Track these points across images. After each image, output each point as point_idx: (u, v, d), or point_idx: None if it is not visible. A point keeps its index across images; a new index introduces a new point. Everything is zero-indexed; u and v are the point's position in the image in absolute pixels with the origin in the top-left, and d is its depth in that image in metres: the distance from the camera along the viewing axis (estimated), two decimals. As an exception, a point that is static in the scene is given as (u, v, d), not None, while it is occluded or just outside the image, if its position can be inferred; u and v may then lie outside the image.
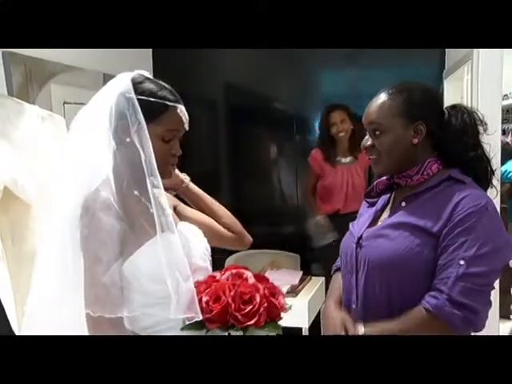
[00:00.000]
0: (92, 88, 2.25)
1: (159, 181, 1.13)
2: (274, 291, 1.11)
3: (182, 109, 1.17)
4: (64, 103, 2.19)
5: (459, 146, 1.25)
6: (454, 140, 1.25)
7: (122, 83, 1.14)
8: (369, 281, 1.24)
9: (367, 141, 1.29)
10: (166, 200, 1.26)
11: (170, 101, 1.15)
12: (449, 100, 2.60)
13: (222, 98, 3.17)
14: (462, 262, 1.12)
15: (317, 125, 3.05)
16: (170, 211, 1.25)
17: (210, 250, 1.32)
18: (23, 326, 1.20)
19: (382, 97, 1.26)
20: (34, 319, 1.17)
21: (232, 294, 1.06)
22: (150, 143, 1.10)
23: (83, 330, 1.08)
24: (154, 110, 1.13)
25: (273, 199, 3.24)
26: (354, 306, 1.29)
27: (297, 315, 2.43)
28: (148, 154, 1.10)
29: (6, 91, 1.88)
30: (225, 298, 1.06)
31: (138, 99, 1.11)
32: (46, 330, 1.11)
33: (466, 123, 1.26)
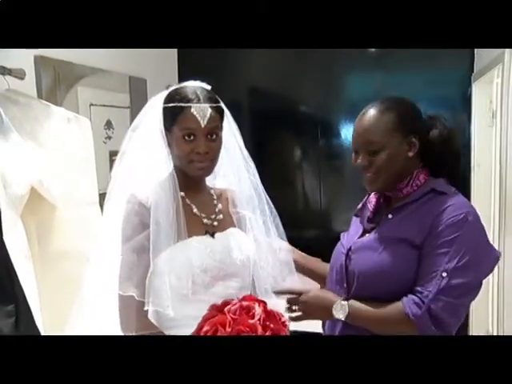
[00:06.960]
0: (118, 90, 2.29)
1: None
2: (278, 334, 1.10)
3: (197, 107, 1.21)
4: (90, 105, 2.22)
5: (444, 152, 1.27)
6: (440, 147, 1.27)
7: (160, 97, 1.27)
8: (358, 292, 1.25)
9: (363, 160, 1.26)
10: (215, 203, 1.34)
11: (183, 101, 1.22)
12: (477, 104, 2.54)
13: (246, 100, 3.16)
14: (444, 274, 1.14)
15: (342, 129, 3.02)
16: (219, 216, 1.31)
17: (252, 259, 1.33)
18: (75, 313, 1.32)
19: (373, 114, 1.25)
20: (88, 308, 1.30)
21: (229, 330, 1.05)
22: (167, 149, 1.26)
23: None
24: (173, 114, 1.23)
25: (296, 203, 3.21)
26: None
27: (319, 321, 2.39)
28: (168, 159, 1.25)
29: (35, 93, 1.92)
30: (221, 333, 1.05)
31: (164, 108, 1.25)
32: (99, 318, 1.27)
33: (447, 128, 1.28)
